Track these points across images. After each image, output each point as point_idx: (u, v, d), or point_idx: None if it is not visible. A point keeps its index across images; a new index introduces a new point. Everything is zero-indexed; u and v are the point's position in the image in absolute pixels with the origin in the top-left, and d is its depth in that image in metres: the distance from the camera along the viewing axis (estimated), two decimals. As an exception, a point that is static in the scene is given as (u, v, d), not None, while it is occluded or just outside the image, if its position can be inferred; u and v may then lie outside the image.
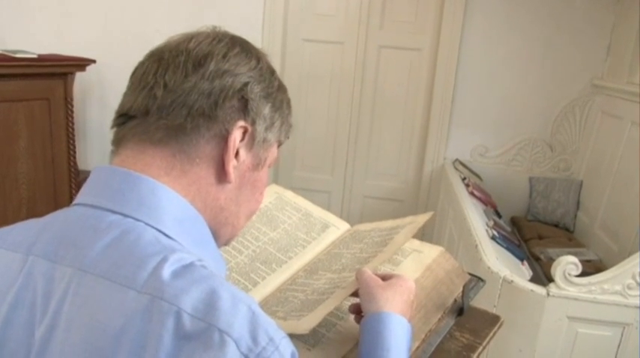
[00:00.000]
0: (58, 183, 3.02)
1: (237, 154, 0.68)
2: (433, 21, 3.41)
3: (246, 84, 0.68)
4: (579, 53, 3.26)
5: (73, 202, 0.66)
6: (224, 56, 0.67)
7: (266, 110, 0.70)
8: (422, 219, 1.05)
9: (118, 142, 0.68)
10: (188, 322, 0.53)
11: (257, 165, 0.72)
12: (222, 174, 0.68)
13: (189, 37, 0.69)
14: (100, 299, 0.56)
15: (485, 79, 3.39)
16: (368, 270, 0.89)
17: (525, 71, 3.34)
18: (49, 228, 0.64)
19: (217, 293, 0.55)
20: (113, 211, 0.62)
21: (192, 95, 0.65)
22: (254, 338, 0.54)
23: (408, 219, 1.09)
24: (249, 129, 0.69)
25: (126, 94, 0.69)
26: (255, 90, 0.69)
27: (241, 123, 0.68)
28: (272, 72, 0.74)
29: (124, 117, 0.68)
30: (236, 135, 0.67)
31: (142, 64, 0.69)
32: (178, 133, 0.65)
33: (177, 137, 0.65)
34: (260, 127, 0.70)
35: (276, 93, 0.73)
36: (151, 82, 0.66)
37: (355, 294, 0.89)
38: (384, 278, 0.88)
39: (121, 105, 0.68)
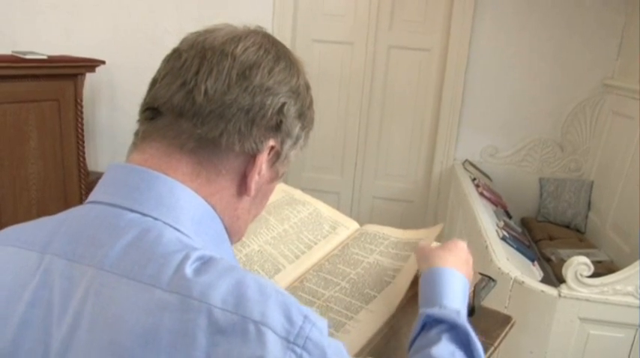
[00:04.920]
0: (68, 184, 3.04)
1: (259, 170, 0.69)
2: (442, 21, 3.40)
3: (284, 104, 0.68)
4: (590, 53, 3.24)
5: (88, 199, 0.66)
6: (270, 71, 0.67)
7: (296, 130, 0.72)
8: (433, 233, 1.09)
9: (143, 138, 0.68)
10: (220, 316, 0.53)
11: (274, 179, 0.74)
12: (242, 187, 0.69)
13: (236, 38, 0.68)
14: (125, 298, 0.55)
15: (495, 79, 3.37)
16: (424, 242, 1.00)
17: (535, 71, 3.32)
18: (65, 227, 0.63)
19: (244, 283, 0.55)
20: (131, 210, 0.61)
21: (231, 109, 0.64)
22: (289, 319, 0.54)
23: (420, 233, 1.10)
24: (277, 147, 0.70)
25: (158, 83, 0.67)
26: (291, 111, 0.70)
27: (271, 142, 0.69)
28: (308, 87, 0.75)
29: (153, 112, 0.67)
30: (265, 154, 0.68)
31: (178, 53, 0.68)
32: (210, 146, 0.65)
33: (208, 148, 0.65)
34: (287, 146, 0.71)
35: (307, 111, 0.74)
36: (190, 83, 0.65)
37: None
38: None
39: (152, 96, 0.67)
